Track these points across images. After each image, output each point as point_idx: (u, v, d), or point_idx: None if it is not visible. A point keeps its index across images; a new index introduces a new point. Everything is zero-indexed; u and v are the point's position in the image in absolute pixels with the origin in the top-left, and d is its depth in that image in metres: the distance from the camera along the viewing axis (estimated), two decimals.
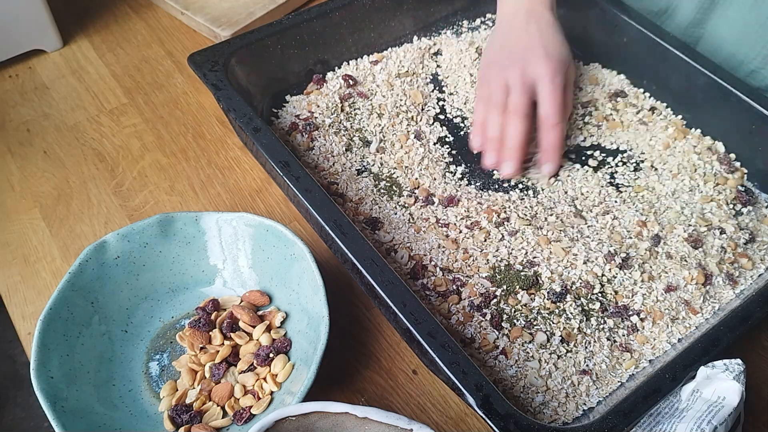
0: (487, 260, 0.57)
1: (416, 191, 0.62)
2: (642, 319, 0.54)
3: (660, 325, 0.53)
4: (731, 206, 0.61)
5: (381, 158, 0.65)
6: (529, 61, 0.61)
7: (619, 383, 0.51)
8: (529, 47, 0.62)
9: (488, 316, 0.53)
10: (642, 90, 0.70)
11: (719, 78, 0.63)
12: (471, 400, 0.43)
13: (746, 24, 0.67)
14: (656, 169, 0.64)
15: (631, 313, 0.54)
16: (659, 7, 0.74)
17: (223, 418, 0.50)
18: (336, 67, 0.72)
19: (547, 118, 0.61)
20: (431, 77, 0.73)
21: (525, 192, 0.63)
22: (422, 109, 0.69)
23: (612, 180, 0.64)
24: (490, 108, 0.63)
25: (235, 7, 0.81)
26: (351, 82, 0.69)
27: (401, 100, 0.69)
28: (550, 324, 0.53)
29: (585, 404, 0.50)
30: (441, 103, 0.71)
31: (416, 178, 0.64)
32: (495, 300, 0.54)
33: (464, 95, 0.70)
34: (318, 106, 0.67)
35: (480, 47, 0.73)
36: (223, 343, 0.53)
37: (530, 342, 0.52)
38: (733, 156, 0.65)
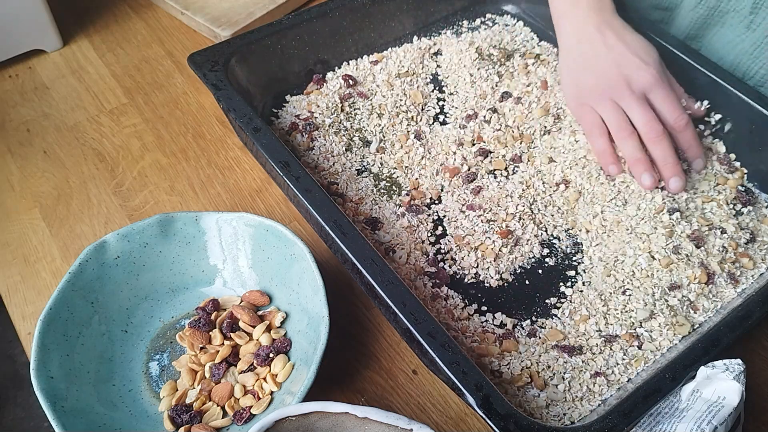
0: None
1: (414, 191, 0.62)
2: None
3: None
4: (731, 206, 0.61)
5: (381, 158, 0.65)
6: (630, 76, 0.59)
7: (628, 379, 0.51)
8: (621, 62, 0.60)
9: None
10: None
11: (719, 78, 0.63)
12: (471, 400, 0.43)
13: (742, 45, 0.67)
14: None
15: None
16: (654, 18, 0.74)
17: (223, 418, 0.50)
18: (336, 67, 0.72)
19: (676, 122, 0.59)
20: (431, 77, 0.73)
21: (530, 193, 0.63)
22: (422, 109, 0.69)
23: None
24: (620, 133, 0.60)
25: (235, 7, 0.81)
26: (351, 82, 0.69)
27: (401, 100, 0.69)
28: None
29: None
30: (441, 103, 0.71)
31: (416, 179, 0.64)
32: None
33: (464, 95, 0.70)
34: (318, 106, 0.67)
35: (480, 47, 0.73)
36: (223, 343, 0.53)
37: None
38: (733, 156, 0.65)
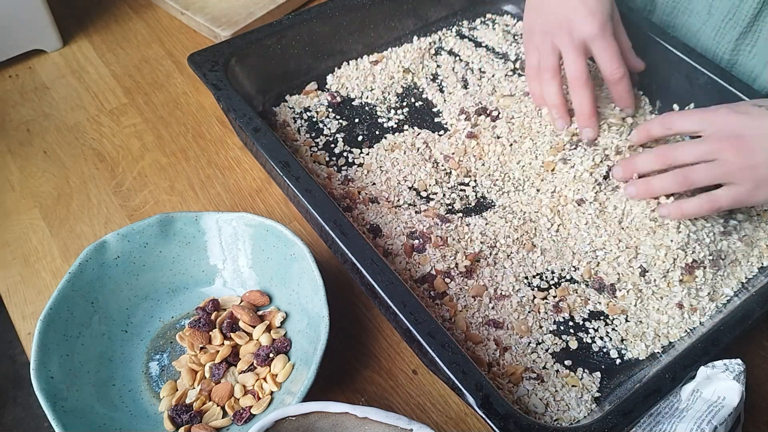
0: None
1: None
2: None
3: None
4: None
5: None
6: (575, 22, 0.60)
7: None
8: (569, 8, 0.60)
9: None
10: (641, 93, 0.70)
11: (720, 78, 0.63)
12: (471, 400, 0.43)
13: (705, 30, 0.69)
14: None
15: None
16: (637, 7, 0.75)
17: (223, 418, 0.50)
18: (336, 68, 0.72)
19: (611, 74, 0.61)
20: (431, 77, 0.73)
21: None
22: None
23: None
24: (543, 74, 0.62)
25: (235, 7, 0.81)
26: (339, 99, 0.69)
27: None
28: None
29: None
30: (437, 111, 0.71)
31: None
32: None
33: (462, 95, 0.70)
34: (318, 106, 0.67)
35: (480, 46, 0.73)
36: (223, 343, 0.53)
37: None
38: None
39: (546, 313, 0.54)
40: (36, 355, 0.47)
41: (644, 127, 0.59)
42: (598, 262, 0.57)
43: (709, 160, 0.53)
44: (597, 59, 0.61)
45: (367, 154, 0.65)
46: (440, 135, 0.67)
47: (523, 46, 0.67)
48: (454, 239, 0.58)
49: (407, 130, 0.67)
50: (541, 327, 0.54)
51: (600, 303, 0.55)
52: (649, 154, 0.57)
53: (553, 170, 0.60)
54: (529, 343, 0.53)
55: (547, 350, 0.53)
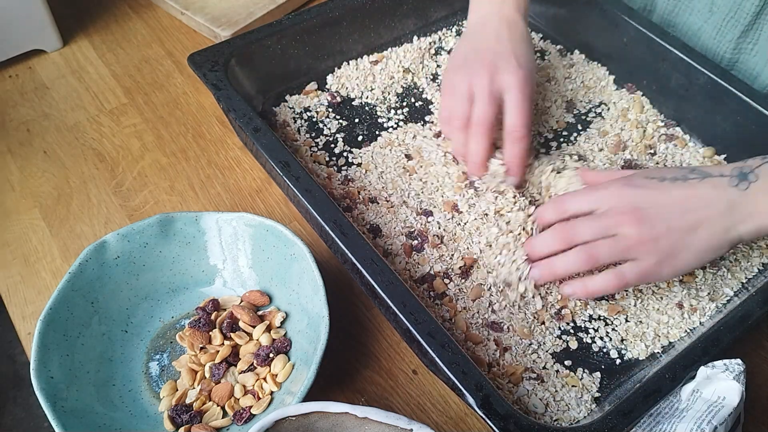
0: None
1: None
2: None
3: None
4: None
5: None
6: (499, 68, 0.58)
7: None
8: (499, 53, 0.59)
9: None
10: (641, 93, 0.70)
11: (720, 78, 0.63)
12: (471, 400, 0.43)
13: (706, 29, 0.69)
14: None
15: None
16: (637, 7, 0.75)
17: (223, 418, 0.50)
18: (336, 68, 0.72)
19: (514, 130, 0.58)
20: (431, 77, 0.73)
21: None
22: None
23: None
24: (451, 121, 0.60)
25: (235, 7, 0.81)
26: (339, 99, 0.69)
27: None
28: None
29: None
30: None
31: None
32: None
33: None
34: (318, 106, 0.67)
35: None
36: (223, 343, 0.53)
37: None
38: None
39: (550, 322, 0.54)
40: (36, 355, 0.47)
41: (537, 214, 0.56)
42: None
43: (610, 235, 0.50)
44: (505, 110, 0.58)
45: (364, 153, 0.65)
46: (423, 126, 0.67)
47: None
48: (450, 238, 0.58)
49: (401, 127, 0.67)
50: (543, 334, 0.54)
51: (601, 306, 0.55)
52: (548, 235, 0.53)
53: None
54: (530, 344, 0.53)
55: (547, 350, 0.53)
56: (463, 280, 0.56)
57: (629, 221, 0.49)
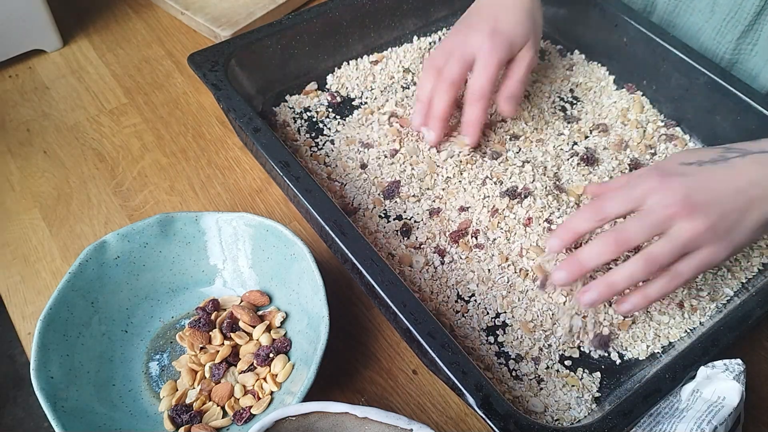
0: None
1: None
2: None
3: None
4: None
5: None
6: (474, 33, 0.59)
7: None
8: (481, 19, 0.60)
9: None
10: (641, 93, 0.70)
11: (720, 78, 0.63)
12: (471, 400, 0.43)
13: (706, 29, 0.69)
14: None
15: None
16: (637, 7, 0.75)
17: (223, 418, 0.50)
18: (336, 68, 0.72)
19: (471, 92, 0.59)
20: None
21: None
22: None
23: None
24: (426, 70, 0.62)
25: (235, 7, 0.81)
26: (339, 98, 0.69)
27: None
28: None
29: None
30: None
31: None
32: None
33: None
34: (318, 106, 0.67)
35: None
36: (223, 343, 0.53)
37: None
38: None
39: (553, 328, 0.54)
40: (36, 355, 0.47)
41: (567, 227, 0.50)
42: None
43: (661, 232, 0.47)
44: (472, 72, 0.60)
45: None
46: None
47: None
48: (439, 228, 0.58)
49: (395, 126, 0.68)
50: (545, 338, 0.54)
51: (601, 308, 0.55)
52: (597, 245, 0.48)
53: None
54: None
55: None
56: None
57: (681, 213, 0.46)
